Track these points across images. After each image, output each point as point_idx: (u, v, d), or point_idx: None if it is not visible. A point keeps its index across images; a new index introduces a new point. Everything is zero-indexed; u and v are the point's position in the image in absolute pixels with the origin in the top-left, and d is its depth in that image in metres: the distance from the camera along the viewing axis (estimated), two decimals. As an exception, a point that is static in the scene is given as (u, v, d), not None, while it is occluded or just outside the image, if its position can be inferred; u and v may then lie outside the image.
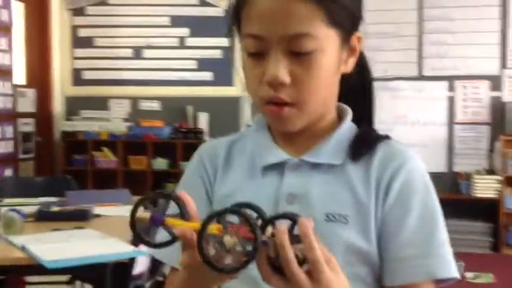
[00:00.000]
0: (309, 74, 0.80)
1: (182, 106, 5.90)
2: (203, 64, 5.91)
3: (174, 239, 0.70)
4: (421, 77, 5.51)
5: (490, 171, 5.34)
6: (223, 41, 5.83)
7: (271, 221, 0.68)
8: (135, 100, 6.03)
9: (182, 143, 5.73)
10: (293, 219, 0.68)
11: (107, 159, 5.74)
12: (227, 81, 5.89)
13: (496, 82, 5.47)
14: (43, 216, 2.49)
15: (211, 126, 5.88)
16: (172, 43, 5.95)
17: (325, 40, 0.80)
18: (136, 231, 0.71)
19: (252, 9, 0.81)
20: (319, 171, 0.85)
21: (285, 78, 0.79)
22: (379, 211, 0.83)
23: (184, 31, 5.92)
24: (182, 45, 5.94)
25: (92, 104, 5.98)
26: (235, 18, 0.85)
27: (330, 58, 0.82)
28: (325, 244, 0.67)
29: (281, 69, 0.79)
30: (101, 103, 5.99)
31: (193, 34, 5.91)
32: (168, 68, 5.95)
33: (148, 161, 5.77)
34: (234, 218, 0.66)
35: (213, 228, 0.66)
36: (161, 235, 0.76)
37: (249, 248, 0.64)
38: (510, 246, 5.16)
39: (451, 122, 5.49)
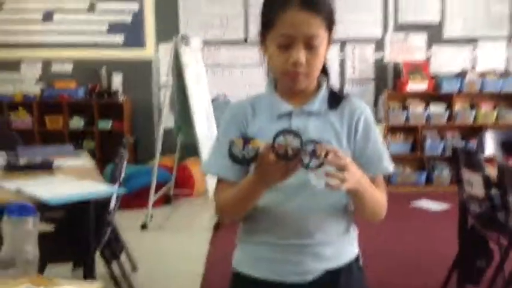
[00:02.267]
0: (314, 59, 1.33)
1: (95, 68, 6.12)
2: (114, 28, 6.14)
3: (253, 158, 1.19)
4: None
5: (376, 121, 6.12)
6: (134, 6, 6.10)
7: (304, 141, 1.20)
8: (47, 62, 6.15)
9: (97, 103, 5.98)
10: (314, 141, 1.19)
11: (22, 119, 5.87)
12: (138, 43, 6.16)
13: (379, 44, 6.22)
14: (13, 167, 2.78)
15: (125, 86, 6.16)
16: (83, 7, 6.12)
17: (324, 39, 1.33)
18: (232, 153, 1.20)
19: (284, 19, 1.30)
20: (312, 116, 1.37)
21: (303, 60, 1.31)
22: (351, 139, 1.38)
23: (93, -5, 6.10)
24: (92, 10, 6.12)
25: (4, 67, 6.03)
26: (270, 22, 1.33)
27: (324, 48, 1.35)
28: None
29: (302, 55, 1.30)
30: (13, 66, 6.05)
31: (102, -1, 6.10)
32: (80, 32, 6.13)
33: (64, 120, 5.97)
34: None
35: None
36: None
37: (296, 150, 1.16)
38: (392, 184, 5.96)
39: (343, 79, 6.23)
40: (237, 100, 1.50)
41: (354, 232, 1.47)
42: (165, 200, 5.44)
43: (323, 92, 1.41)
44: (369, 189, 1.32)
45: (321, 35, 1.32)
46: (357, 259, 1.47)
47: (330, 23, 1.35)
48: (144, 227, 4.63)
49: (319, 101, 1.40)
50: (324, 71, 1.42)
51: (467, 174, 3.07)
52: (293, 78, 1.34)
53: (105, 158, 5.51)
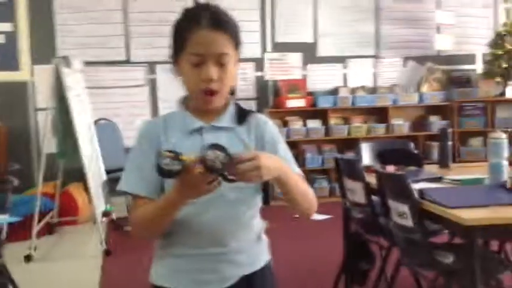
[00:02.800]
0: (225, 76, 1.40)
1: (-36, 93, 5.75)
2: (-16, 49, 5.81)
3: (183, 167, 1.21)
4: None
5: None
6: (6, 26, 5.83)
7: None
8: None
9: (-32, 130, 5.61)
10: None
11: None
12: (12, 66, 5.89)
13: (259, 64, 6.47)
14: None
15: (-1, 111, 5.84)
16: None
17: (233, 56, 1.42)
18: (160, 165, 1.21)
19: (195, 39, 1.38)
20: (222, 131, 1.45)
21: (215, 76, 1.38)
22: (261, 149, 1.43)
23: (-40, 16, 5.75)
24: (-40, 30, 5.77)
25: None
26: (181, 43, 1.40)
27: (233, 66, 1.42)
28: None
29: (213, 72, 1.38)
30: None
31: (-29, 19, 5.77)
32: None
33: None
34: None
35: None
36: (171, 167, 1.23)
37: (223, 163, 1.21)
38: (276, 198, 6.21)
39: (225, 98, 6.36)
40: (148, 119, 1.55)
41: (266, 239, 1.57)
42: (49, 229, 5.21)
43: (231, 109, 1.50)
44: (292, 176, 1.40)
45: (230, 53, 1.41)
46: (269, 264, 1.56)
47: (237, 42, 1.44)
48: (28, 258, 4.40)
49: (228, 117, 1.48)
50: (230, 90, 1.51)
51: (349, 183, 3.30)
52: (208, 100, 1.42)
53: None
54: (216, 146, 1.23)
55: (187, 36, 1.39)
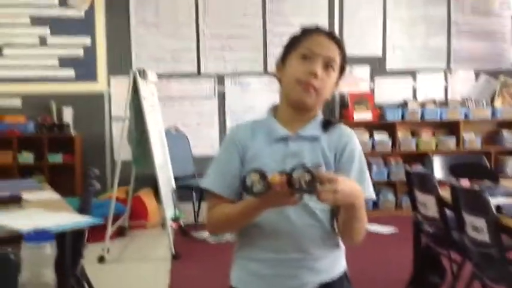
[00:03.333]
0: (328, 78, 1.47)
1: (45, 102, 6.07)
2: (65, 62, 6.12)
3: (266, 190, 1.26)
4: (266, 73, 6.30)
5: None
6: (85, 40, 6.12)
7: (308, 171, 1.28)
8: (-5, 97, 6.05)
9: (47, 137, 5.92)
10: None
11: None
12: (90, 77, 6.17)
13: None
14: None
15: (76, 120, 6.12)
16: (33, 42, 6.08)
17: (337, 67, 1.49)
18: (246, 185, 1.27)
19: (311, 39, 1.48)
20: (307, 140, 1.49)
21: (320, 73, 1.44)
22: (336, 163, 1.48)
23: (44, 30, 6.08)
24: (43, 44, 6.10)
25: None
26: (295, 45, 1.49)
27: (335, 76, 1.50)
28: None
29: (319, 69, 1.45)
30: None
31: (54, 33, 6.10)
32: (30, 66, 6.07)
33: (13, 155, 5.86)
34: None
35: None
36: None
37: (310, 184, 1.24)
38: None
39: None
40: (238, 123, 1.61)
41: (343, 247, 1.58)
42: (120, 232, 5.40)
43: (318, 119, 1.54)
44: (362, 207, 1.40)
45: (337, 61, 1.49)
46: (346, 273, 1.58)
47: (343, 60, 1.52)
48: (101, 260, 4.59)
49: (313, 127, 1.52)
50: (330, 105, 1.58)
51: (421, 196, 3.27)
52: (305, 88, 1.45)
53: (57, 192, 5.41)
54: (302, 166, 1.26)
55: (304, 37, 1.49)
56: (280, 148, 1.48)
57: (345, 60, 1.53)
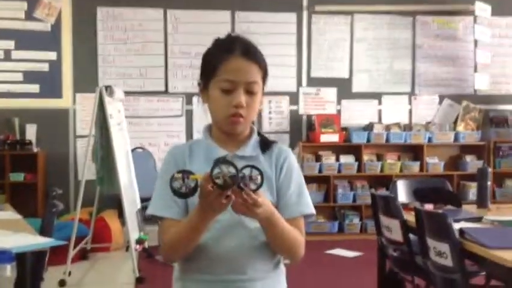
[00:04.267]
0: (253, 104, 1.47)
1: (8, 118, 5.93)
2: (29, 77, 6.02)
3: (193, 190, 1.28)
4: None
5: (291, 172, 6.35)
6: (51, 55, 6.03)
7: (241, 168, 1.29)
8: (-45, 112, 5.89)
9: (9, 155, 5.77)
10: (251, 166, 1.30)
11: None
12: (55, 93, 6.07)
13: (294, 98, 6.54)
14: None
15: (40, 137, 5.99)
16: (-3, 55, 5.97)
17: (260, 86, 1.48)
18: (173, 187, 1.28)
19: (228, 66, 1.44)
20: (245, 160, 1.46)
21: (244, 103, 1.44)
22: (277, 180, 1.51)
23: (9, 44, 5.97)
24: (7, 58, 5.98)
25: None
26: (212, 70, 1.46)
27: (260, 96, 1.49)
28: None
29: (243, 99, 1.44)
30: None
31: (19, 47, 5.99)
32: (-7, 80, 5.95)
33: (-27, 173, 5.69)
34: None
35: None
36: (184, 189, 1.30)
37: (232, 178, 1.25)
38: (306, 233, 6.20)
39: (260, 130, 6.41)
40: (175, 145, 1.62)
41: (283, 270, 1.59)
42: (82, 254, 5.27)
43: (254, 138, 1.55)
44: (279, 222, 1.42)
45: (259, 82, 1.48)
46: None
47: (264, 74, 1.51)
48: (62, 283, 4.46)
49: (251, 147, 1.53)
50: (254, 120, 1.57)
51: (385, 220, 3.29)
52: (234, 122, 1.46)
53: (18, 211, 5.26)
54: (224, 161, 1.27)
55: (220, 63, 1.46)
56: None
57: (266, 71, 1.52)
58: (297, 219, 1.51)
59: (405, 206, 3.31)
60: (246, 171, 1.29)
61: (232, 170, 1.26)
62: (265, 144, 1.54)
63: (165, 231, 1.47)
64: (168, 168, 1.50)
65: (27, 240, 2.23)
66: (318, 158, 6.39)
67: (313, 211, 1.55)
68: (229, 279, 1.46)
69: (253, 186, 1.29)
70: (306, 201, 1.54)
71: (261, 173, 1.30)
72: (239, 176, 1.27)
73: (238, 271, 1.46)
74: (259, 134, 1.57)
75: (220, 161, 1.27)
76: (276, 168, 1.52)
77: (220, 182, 1.25)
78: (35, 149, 5.89)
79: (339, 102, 6.62)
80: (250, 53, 1.46)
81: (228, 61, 1.44)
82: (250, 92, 1.45)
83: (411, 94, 6.76)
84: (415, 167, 6.44)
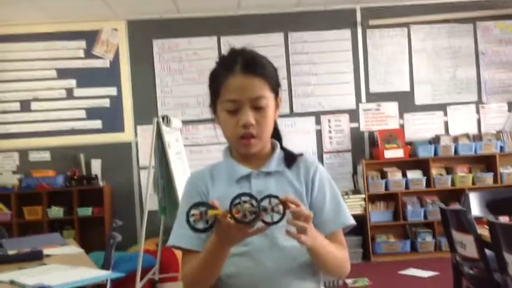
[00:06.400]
0: (263, 119, 1.37)
1: (74, 154, 6.10)
2: (92, 113, 6.19)
3: (212, 225, 1.19)
4: (292, 114, 6.26)
5: (356, 191, 6.19)
6: (111, 90, 6.18)
7: (259, 200, 1.20)
8: (24, 152, 6.12)
9: (77, 190, 5.91)
10: (270, 196, 1.20)
11: (0, 212, 5.74)
12: (117, 127, 6.20)
13: (354, 115, 6.38)
14: (2, 260, 2.69)
15: (104, 171, 6.12)
16: (59, 95, 6.17)
17: (270, 99, 1.39)
18: (190, 223, 1.19)
19: (229, 85, 1.36)
20: (271, 176, 1.41)
21: (253, 121, 1.35)
22: (309, 196, 1.41)
23: (71, 82, 6.17)
24: (70, 96, 6.18)
25: (-20, 159, 5.98)
26: (216, 91, 1.39)
27: (271, 110, 1.39)
28: None
29: (250, 117, 1.35)
30: (-11, 157, 6.00)
31: (80, 85, 6.18)
32: (57, 119, 6.15)
33: (43, 210, 5.86)
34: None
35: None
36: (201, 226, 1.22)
37: (254, 213, 1.16)
38: (377, 254, 6.02)
39: (321, 151, 6.32)
40: (195, 170, 1.53)
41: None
42: (151, 285, 5.28)
43: (278, 153, 1.46)
44: (325, 245, 1.33)
45: (266, 95, 1.38)
46: None
47: (274, 85, 1.41)
48: (131, 314, 4.46)
49: (276, 162, 1.44)
50: (276, 134, 1.48)
51: (458, 236, 3.09)
52: (246, 144, 1.38)
53: (87, 245, 5.37)
54: (244, 195, 1.18)
55: (221, 83, 1.38)
56: (244, 187, 1.40)
57: (275, 81, 1.42)
58: (337, 233, 1.43)
59: (479, 220, 3.11)
60: (265, 203, 1.19)
61: (253, 202, 1.17)
62: (291, 158, 1.46)
63: (185, 263, 1.40)
64: (189, 197, 1.43)
65: (84, 274, 2.22)
66: (383, 175, 6.19)
67: (354, 222, 1.46)
68: None
69: (276, 218, 1.19)
70: (345, 212, 1.45)
71: (282, 202, 1.20)
72: (260, 209, 1.17)
73: None
74: (282, 148, 1.49)
75: (240, 195, 1.18)
76: (307, 183, 1.43)
77: (240, 217, 1.16)
78: (101, 183, 6.02)
79: (401, 116, 6.42)
80: (252, 66, 1.37)
81: (228, 80, 1.37)
82: (258, 108, 1.36)
83: (478, 103, 6.47)
84: (488, 178, 6.11)
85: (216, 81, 1.40)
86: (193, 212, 1.19)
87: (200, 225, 1.19)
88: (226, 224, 1.18)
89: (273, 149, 1.47)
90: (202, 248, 1.36)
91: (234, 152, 1.47)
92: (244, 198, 1.17)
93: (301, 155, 1.48)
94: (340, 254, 1.40)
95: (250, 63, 1.38)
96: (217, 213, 1.18)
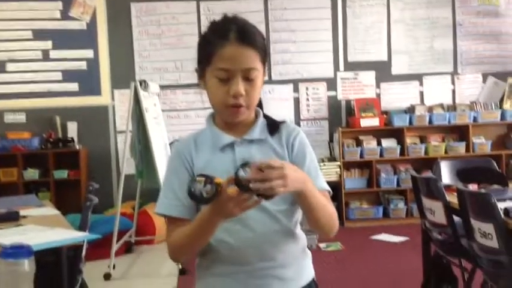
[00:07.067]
0: (253, 90, 1.39)
1: (49, 117, 6.05)
2: (68, 75, 6.12)
3: (216, 191, 1.20)
4: (271, 81, 6.27)
5: (331, 159, 6.29)
6: (88, 53, 6.11)
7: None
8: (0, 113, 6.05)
9: (53, 153, 5.89)
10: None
11: (-25, 173, 5.71)
12: (94, 91, 6.15)
13: (331, 83, 6.43)
14: (-23, 220, 2.69)
15: (81, 134, 6.10)
16: (36, 56, 6.08)
17: (260, 71, 1.40)
18: (192, 190, 1.19)
19: (223, 54, 1.36)
20: (254, 144, 1.43)
21: (243, 92, 1.36)
22: (290, 156, 1.44)
23: (47, 44, 6.08)
24: (46, 58, 6.10)
25: (-46, 119, 5.90)
26: (208, 58, 1.39)
27: (260, 80, 1.41)
28: None
29: (241, 87, 1.36)
30: (-37, 118, 5.92)
31: (56, 47, 6.09)
32: (33, 81, 6.08)
33: (18, 172, 5.84)
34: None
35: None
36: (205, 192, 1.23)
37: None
38: (350, 220, 6.15)
39: (298, 118, 6.38)
40: (179, 138, 1.55)
41: (310, 254, 1.52)
42: (127, 248, 5.34)
43: (260, 121, 1.48)
44: (316, 194, 1.34)
45: (258, 67, 1.39)
46: (314, 280, 1.52)
47: (264, 56, 1.42)
48: (107, 277, 4.52)
49: (259, 129, 1.46)
50: (258, 102, 1.49)
51: (428, 203, 3.18)
52: (235, 112, 1.39)
53: (62, 208, 5.37)
54: (247, 164, 1.20)
55: (215, 51, 1.37)
56: (228, 155, 1.42)
57: (265, 52, 1.43)
58: (322, 193, 1.42)
59: (448, 188, 3.20)
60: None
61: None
62: (274, 126, 1.48)
63: (170, 230, 1.42)
64: (175, 165, 1.45)
65: (61, 235, 2.24)
66: (358, 143, 6.28)
67: (329, 188, 1.47)
68: (260, 266, 1.39)
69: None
70: (321, 178, 1.47)
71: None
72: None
73: (267, 258, 1.39)
74: (265, 116, 1.51)
75: (244, 164, 1.20)
76: (287, 145, 1.45)
77: (245, 184, 1.17)
78: (77, 146, 6.00)
79: (378, 86, 6.48)
80: (247, 37, 1.37)
81: (222, 48, 1.36)
82: (248, 79, 1.37)
83: (454, 74, 6.56)
84: (461, 148, 6.25)
85: (209, 47, 1.39)
86: (198, 178, 1.19)
87: (203, 194, 1.19)
88: (228, 195, 1.20)
89: (256, 116, 1.48)
90: (189, 215, 1.39)
91: (218, 119, 1.48)
92: (247, 169, 1.18)
93: (283, 122, 1.50)
94: (330, 207, 1.41)
95: (245, 33, 1.38)
96: (221, 181, 1.19)
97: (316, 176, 1.44)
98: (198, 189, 1.19)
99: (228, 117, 1.42)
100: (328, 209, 1.39)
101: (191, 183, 1.20)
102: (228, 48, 1.35)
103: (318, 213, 1.36)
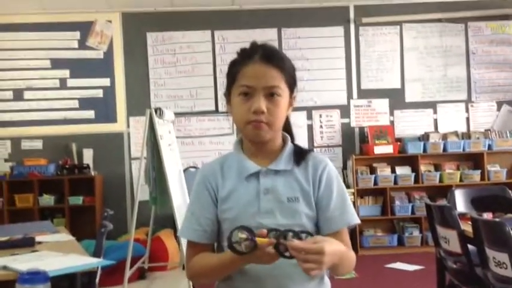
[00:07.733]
0: (275, 108, 1.40)
1: (66, 143, 6.13)
2: (85, 103, 6.21)
3: (254, 248, 1.23)
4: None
5: (345, 186, 6.23)
6: (104, 81, 6.21)
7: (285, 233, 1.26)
8: (17, 140, 6.14)
9: (68, 179, 5.95)
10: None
11: (-9, 199, 5.77)
12: (109, 118, 6.23)
13: (345, 110, 6.45)
14: (-5, 245, 2.73)
15: (96, 161, 6.16)
16: (53, 84, 6.19)
17: (284, 92, 1.42)
18: (234, 246, 1.23)
19: (246, 71, 1.39)
20: (280, 174, 1.43)
21: (264, 108, 1.37)
22: (315, 194, 1.43)
23: (64, 73, 6.19)
24: (63, 86, 6.20)
25: (-27, 146, 6.00)
26: (233, 77, 1.42)
27: (284, 102, 1.43)
28: (290, 214, 1.37)
29: (262, 104, 1.37)
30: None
31: (73, 75, 6.21)
32: (50, 108, 6.18)
33: (34, 198, 5.89)
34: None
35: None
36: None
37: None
38: (364, 248, 6.10)
39: (312, 146, 6.38)
40: (205, 163, 1.57)
41: (328, 283, 1.51)
42: (140, 274, 5.34)
43: (288, 150, 1.48)
44: (343, 257, 1.35)
45: (281, 86, 1.40)
46: None
47: (290, 79, 1.43)
48: (120, 302, 4.52)
49: (285, 159, 1.46)
50: (288, 130, 1.50)
51: (442, 231, 3.16)
52: (256, 127, 1.39)
53: (77, 234, 5.40)
54: (292, 232, 1.23)
55: (239, 70, 1.41)
56: (253, 184, 1.43)
57: (292, 77, 1.45)
58: (342, 231, 1.44)
59: (463, 216, 3.18)
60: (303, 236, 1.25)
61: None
62: (300, 155, 1.47)
63: (195, 257, 1.44)
64: (199, 190, 1.47)
65: (75, 261, 2.26)
66: (372, 171, 6.26)
67: (358, 220, 1.47)
68: None
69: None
70: (350, 211, 1.45)
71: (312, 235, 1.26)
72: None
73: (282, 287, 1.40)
74: (293, 143, 1.51)
75: (287, 231, 1.24)
76: (314, 181, 1.44)
77: (283, 250, 1.22)
78: (92, 173, 6.05)
79: (391, 113, 6.49)
80: (271, 58, 1.40)
81: (246, 67, 1.39)
82: (271, 97, 1.39)
83: (468, 101, 6.55)
84: (475, 176, 6.21)
85: (234, 68, 1.43)
86: (240, 236, 1.23)
87: (242, 248, 1.23)
88: (266, 252, 1.22)
89: (284, 142, 1.49)
90: (209, 240, 1.44)
91: (245, 144, 1.48)
92: (286, 237, 1.23)
93: (311, 151, 1.50)
94: (351, 256, 1.42)
95: (270, 54, 1.41)
96: (264, 242, 1.22)
97: (343, 211, 1.44)
98: (238, 245, 1.23)
99: (250, 133, 1.42)
100: (351, 261, 1.41)
101: (233, 232, 1.24)
102: (251, 66, 1.39)
103: (343, 269, 1.39)
